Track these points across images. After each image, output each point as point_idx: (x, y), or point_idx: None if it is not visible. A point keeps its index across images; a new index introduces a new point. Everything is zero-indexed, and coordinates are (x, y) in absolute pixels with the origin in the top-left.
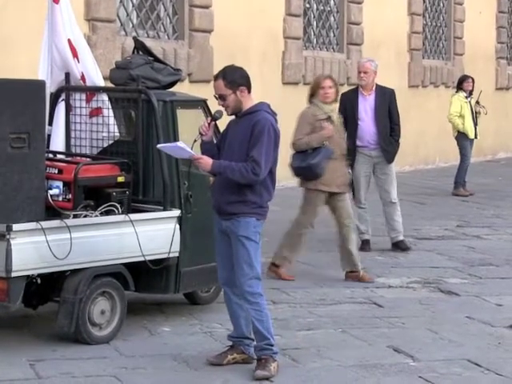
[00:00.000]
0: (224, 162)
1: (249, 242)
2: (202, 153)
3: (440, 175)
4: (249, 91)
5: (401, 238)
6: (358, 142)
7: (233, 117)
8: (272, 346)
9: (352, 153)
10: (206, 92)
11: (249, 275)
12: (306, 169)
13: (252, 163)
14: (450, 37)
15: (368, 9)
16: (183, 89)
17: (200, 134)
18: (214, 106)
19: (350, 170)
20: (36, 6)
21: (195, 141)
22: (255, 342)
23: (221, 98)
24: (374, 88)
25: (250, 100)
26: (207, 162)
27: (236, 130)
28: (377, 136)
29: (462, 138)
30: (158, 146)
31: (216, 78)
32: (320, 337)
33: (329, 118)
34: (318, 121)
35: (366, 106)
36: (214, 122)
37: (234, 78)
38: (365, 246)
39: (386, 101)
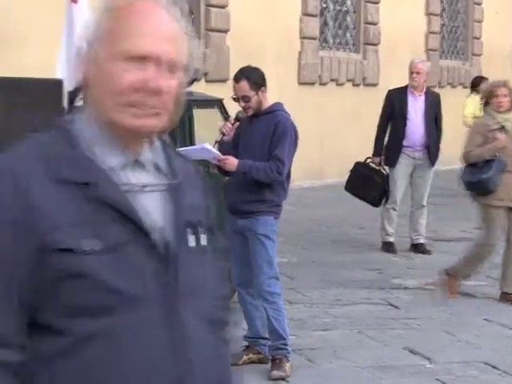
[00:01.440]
0: (248, 162)
1: (268, 240)
2: (221, 153)
3: (458, 176)
4: (266, 91)
5: (421, 240)
6: (404, 142)
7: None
8: (287, 345)
9: (395, 152)
10: (222, 91)
11: (268, 274)
12: (477, 184)
13: (276, 162)
14: (468, 37)
15: (385, 9)
16: (199, 88)
17: (222, 134)
18: (231, 105)
19: (386, 169)
20: (53, 6)
21: (216, 142)
22: (270, 342)
23: (244, 99)
24: (424, 89)
25: (267, 100)
26: (232, 162)
27: (254, 129)
28: (424, 138)
29: None
30: (180, 150)
31: (238, 79)
32: (336, 337)
33: (502, 128)
34: (490, 131)
35: (416, 107)
36: (237, 123)
37: (257, 79)
38: (389, 247)
39: (435, 104)
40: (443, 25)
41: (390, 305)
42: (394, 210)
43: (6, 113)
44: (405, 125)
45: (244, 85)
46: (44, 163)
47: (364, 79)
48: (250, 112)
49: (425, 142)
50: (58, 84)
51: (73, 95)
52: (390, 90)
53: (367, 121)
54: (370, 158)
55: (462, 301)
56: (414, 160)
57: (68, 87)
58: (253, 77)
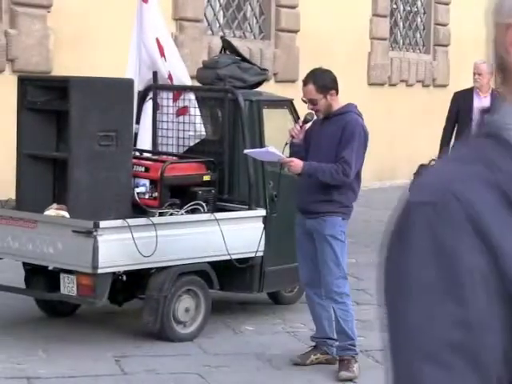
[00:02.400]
0: (314, 164)
1: (335, 241)
2: (292, 155)
3: None
4: (337, 93)
5: None
6: None
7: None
8: (355, 346)
9: None
10: (292, 92)
11: (336, 274)
12: None
13: (343, 164)
14: None
15: (455, 9)
16: (269, 89)
17: (291, 136)
18: (300, 105)
19: None
20: (125, 5)
21: (286, 144)
22: (338, 342)
23: (311, 102)
24: (489, 90)
25: (338, 101)
26: (298, 164)
27: (324, 130)
28: None
29: None
30: (246, 151)
31: (306, 82)
32: None
33: None
34: None
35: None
36: (305, 125)
37: (325, 83)
38: None
39: None
40: None
41: None
42: None
43: (79, 112)
44: (470, 126)
45: (311, 88)
46: (494, 187)
47: (434, 80)
48: (320, 115)
49: None
50: (129, 84)
51: (143, 95)
52: (456, 92)
53: (437, 122)
54: (434, 160)
55: None
56: None
57: (138, 87)
58: (321, 80)
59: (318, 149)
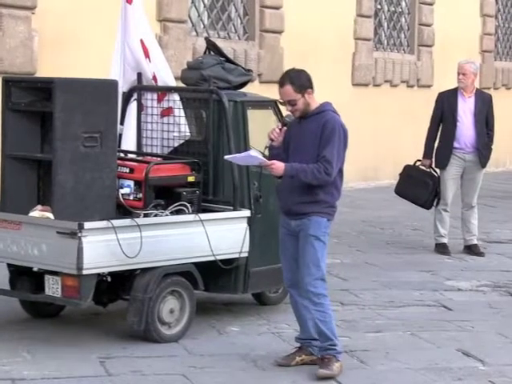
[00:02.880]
0: (296, 165)
1: (318, 242)
2: (271, 157)
3: (511, 178)
4: (313, 92)
5: (475, 241)
6: (455, 144)
7: None
8: (335, 346)
9: (446, 154)
10: (277, 93)
11: (314, 275)
12: None
13: (324, 163)
14: None
15: (439, 10)
16: (253, 89)
17: (270, 139)
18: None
19: (437, 172)
20: (109, 6)
21: (266, 147)
22: (319, 343)
23: (290, 103)
24: (474, 90)
25: (314, 100)
26: (279, 166)
27: (303, 130)
28: (474, 139)
29: None
30: (226, 157)
31: (282, 83)
32: (389, 339)
33: None
34: None
35: (466, 108)
36: (285, 128)
37: (302, 82)
38: (443, 249)
39: (485, 105)
40: (498, 26)
41: (444, 307)
42: (446, 211)
43: (63, 113)
44: (455, 127)
45: (288, 89)
46: None
47: (418, 80)
48: (298, 114)
49: (475, 144)
50: (113, 85)
51: (127, 96)
52: (440, 93)
53: (421, 122)
54: (419, 160)
55: None
56: (464, 162)
57: (123, 88)
58: (297, 80)
59: (298, 149)
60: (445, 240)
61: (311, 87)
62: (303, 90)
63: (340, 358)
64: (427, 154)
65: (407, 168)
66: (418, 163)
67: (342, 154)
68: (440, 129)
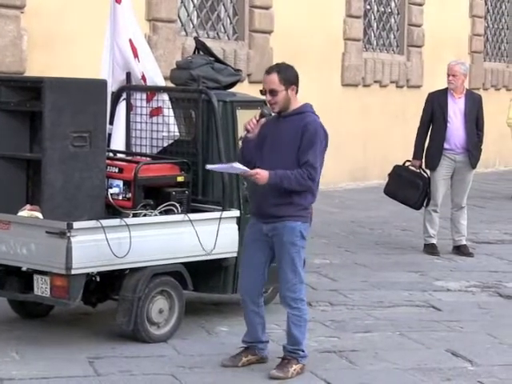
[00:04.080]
0: (279, 172)
1: (294, 247)
2: (243, 151)
3: (500, 179)
4: (297, 91)
5: (464, 242)
6: (445, 145)
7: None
8: (300, 351)
9: (437, 155)
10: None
11: (292, 281)
12: None
13: (308, 168)
14: None
15: (429, 11)
16: (243, 89)
17: (247, 130)
18: None
19: (427, 172)
20: (98, 6)
21: (241, 138)
22: (285, 343)
23: (271, 93)
24: (464, 91)
25: (296, 100)
26: (264, 175)
27: (281, 129)
28: (464, 140)
29: None
30: (208, 167)
31: (269, 72)
32: (377, 339)
33: None
34: None
35: (456, 109)
36: (262, 119)
37: (289, 76)
38: (433, 249)
39: (475, 106)
40: (487, 27)
41: (432, 307)
42: (436, 212)
43: (52, 113)
44: (445, 127)
45: (274, 77)
46: None
47: (408, 81)
48: (276, 108)
49: (465, 145)
50: (102, 84)
51: (117, 96)
52: (430, 93)
53: (411, 123)
54: (409, 161)
55: (504, 303)
56: (454, 163)
57: (112, 88)
58: (285, 72)
59: (274, 148)
60: (434, 240)
61: (296, 85)
62: (288, 84)
63: (303, 361)
64: (417, 154)
65: (396, 168)
66: (408, 164)
67: (323, 157)
68: (430, 129)
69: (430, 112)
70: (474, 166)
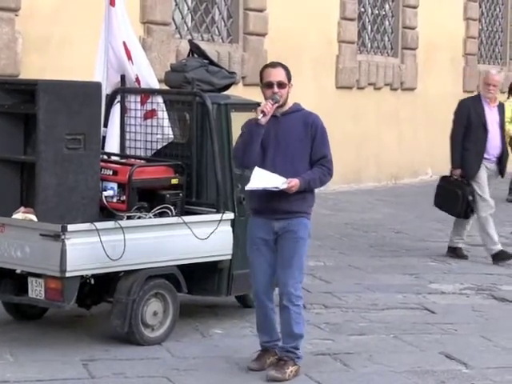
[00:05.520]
0: (306, 176)
1: (304, 244)
2: (254, 141)
3: (495, 181)
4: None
5: (460, 245)
6: (485, 154)
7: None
8: (298, 350)
9: (476, 164)
10: (260, 95)
11: (297, 279)
12: None
13: (326, 164)
14: (506, 42)
15: (423, 13)
16: (237, 92)
17: (262, 113)
18: None
19: (467, 181)
20: (92, 9)
21: (257, 120)
22: (281, 343)
23: (280, 85)
24: (497, 101)
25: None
26: (296, 183)
27: (284, 127)
28: (500, 148)
29: None
30: (247, 187)
31: (274, 65)
32: (372, 342)
33: None
34: None
35: (492, 118)
36: (276, 104)
37: (289, 73)
38: (504, 255)
39: (502, 114)
40: (481, 29)
41: (427, 309)
42: (491, 215)
43: (47, 115)
44: (486, 137)
45: (281, 71)
46: None
47: (402, 83)
48: (281, 101)
49: (499, 153)
50: (97, 87)
51: (111, 98)
52: (463, 100)
53: (405, 125)
54: (454, 170)
55: (498, 306)
56: (488, 171)
57: (106, 90)
58: (287, 68)
59: (280, 147)
60: (500, 247)
61: (292, 84)
62: (289, 80)
63: (299, 362)
64: (457, 163)
65: (441, 179)
66: (456, 175)
67: None
68: (467, 138)
69: (465, 120)
70: (503, 175)
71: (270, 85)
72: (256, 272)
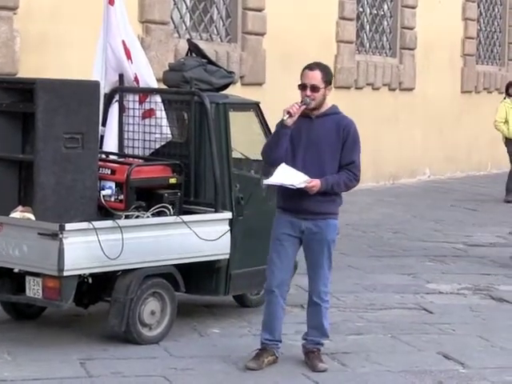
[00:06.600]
0: (329, 179)
1: (333, 244)
2: (280, 141)
3: (492, 181)
4: (331, 91)
5: None
6: None
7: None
8: (323, 343)
9: None
10: (259, 95)
11: (327, 275)
12: None
13: (354, 170)
14: (505, 42)
15: (422, 13)
16: (235, 91)
17: (288, 114)
18: (266, 109)
19: None
20: (91, 8)
21: (283, 120)
22: (310, 337)
23: (313, 88)
24: None
25: (326, 101)
26: (317, 184)
27: (317, 128)
28: None
29: (510, 144)
30: (265, 182)
31: (312, 68)
32: (369, 342)
33: None
34: None
35: None
36: (303, 106)
37: (329, 76)
38: None
39: None
40: (480, 30)
41: (424, 309)
42: None
43: (45, 114)
44: None
45: (317, 74)
46: None
47: (400, 84)
48: (313, 104)
49: None
50: (95, 86)
51: (109, 97)
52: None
53: (403, 125)
54: None
55: (495, 306)
56: None
57: (104, 89)
58: (327, 71)
59: (311, 147)
60: None
61: (331, 85)
62: (328, 83)
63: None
64: None
65: None
66: None
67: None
68: None
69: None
70: None
71: (304, 87)
72: (275, 268)
